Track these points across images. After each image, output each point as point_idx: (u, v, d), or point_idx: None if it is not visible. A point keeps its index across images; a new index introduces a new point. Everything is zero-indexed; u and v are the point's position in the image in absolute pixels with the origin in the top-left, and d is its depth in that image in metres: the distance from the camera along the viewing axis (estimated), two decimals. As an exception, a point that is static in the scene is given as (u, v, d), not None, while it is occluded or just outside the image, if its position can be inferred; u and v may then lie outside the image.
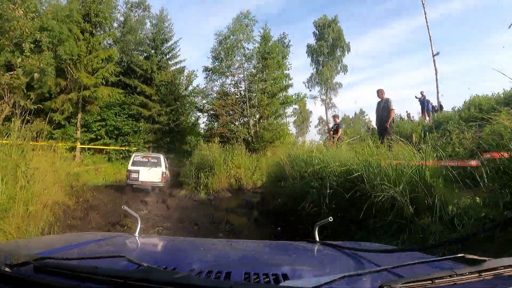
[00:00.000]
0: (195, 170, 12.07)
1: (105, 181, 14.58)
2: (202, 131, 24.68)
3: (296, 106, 32.76)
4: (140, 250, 1.41)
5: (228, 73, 20.16)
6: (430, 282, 0.71)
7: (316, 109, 78.02)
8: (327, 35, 30.72)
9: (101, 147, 17.41)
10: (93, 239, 1.44)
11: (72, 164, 15.62)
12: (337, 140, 8.29)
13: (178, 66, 23.83)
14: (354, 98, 51.03)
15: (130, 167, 10.46)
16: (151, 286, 0.68)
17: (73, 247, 1.22)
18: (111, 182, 14.86)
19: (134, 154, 11.14)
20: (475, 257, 0.84)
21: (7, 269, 0.74)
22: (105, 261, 0.89)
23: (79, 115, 16.01)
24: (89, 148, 16.69)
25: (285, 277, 0.82)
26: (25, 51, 11.97)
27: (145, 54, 22.50)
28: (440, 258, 1.04)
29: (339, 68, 31.72)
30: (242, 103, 19.66)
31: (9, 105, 13.11)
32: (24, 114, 12.98)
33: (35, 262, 0.78)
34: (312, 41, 32.10)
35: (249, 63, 20.26)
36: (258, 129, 18.60)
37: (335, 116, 10.55)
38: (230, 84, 20.59)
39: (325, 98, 32.41)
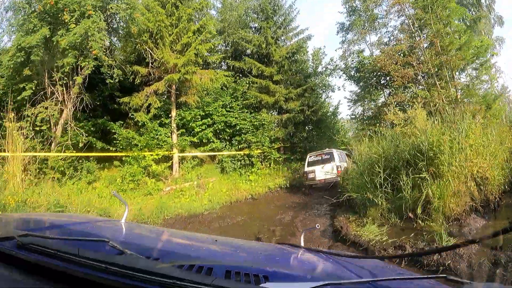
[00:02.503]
0: (390, 171, 5.56)
1: (211, 203, 8.74)
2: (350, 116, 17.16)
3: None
4: (124, 237, 1.37)
5: (377, 23, 15.83)
6: None
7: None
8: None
9: (208, 153, 12.10)
10: (79, 220, 1.43)
11: (171, 177, 10.91)
12: None
13: (300, 37, 17.29)
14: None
15: (306, 169, 10.48)
16: (132, 274, 0.66)
17: (58, 226, 1.22)
18: (221, 204, 8.92)
19: (308, 155, 10.87)
20: (458, 279, 0.82)
21: None
22: (89, 244, 0.89)
23: (173, 112, 11.25)
24: (193, 157, 11.57)
25: (266, 278, 0.79)
26: (69, 22, 8.05)
27: (254, 29, 17.19)
28: (423, 276, 1.03)
29: (492, 20, 22.67)
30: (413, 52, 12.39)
31: (68, 108, 9.56)
32: (78, 112, 8.74)
33: (19, 238, 0.78)
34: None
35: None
36: (452, 90, 11.33)
37: None
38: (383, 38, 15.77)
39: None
